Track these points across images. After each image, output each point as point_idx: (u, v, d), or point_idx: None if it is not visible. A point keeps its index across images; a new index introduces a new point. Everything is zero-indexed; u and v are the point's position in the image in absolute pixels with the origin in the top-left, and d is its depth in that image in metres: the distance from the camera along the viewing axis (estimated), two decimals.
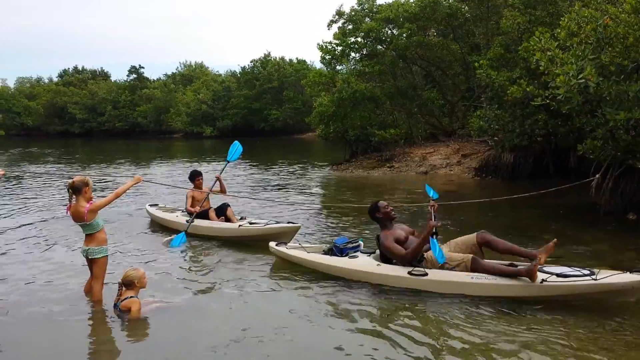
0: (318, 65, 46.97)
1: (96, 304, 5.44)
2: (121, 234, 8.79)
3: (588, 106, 8.71)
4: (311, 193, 13.74)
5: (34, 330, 4.88)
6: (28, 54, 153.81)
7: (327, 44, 20.15)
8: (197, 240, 8.22)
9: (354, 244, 6.37)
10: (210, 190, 8.89)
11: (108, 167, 23.06)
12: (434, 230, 5.51)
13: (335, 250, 6.31)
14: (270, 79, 49.95)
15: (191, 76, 68.00)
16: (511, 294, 5.12)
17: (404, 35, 19.11)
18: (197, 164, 24.24)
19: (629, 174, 8.98)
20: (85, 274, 5.84)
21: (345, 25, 20.75)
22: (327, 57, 20.54)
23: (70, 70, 76.29)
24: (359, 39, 19.83)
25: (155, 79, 70.07)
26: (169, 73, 71.36)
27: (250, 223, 8.11)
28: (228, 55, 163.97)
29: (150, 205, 10.09)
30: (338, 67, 21.80)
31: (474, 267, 5.33)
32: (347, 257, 6.13)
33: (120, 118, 63.62)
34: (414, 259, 5.64)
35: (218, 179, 8.86)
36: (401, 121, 20.12)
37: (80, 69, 76.20)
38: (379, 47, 19.91)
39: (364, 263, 5.97)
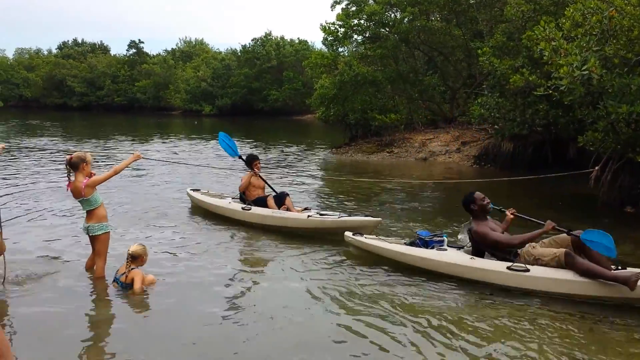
0: (318, 46, 46.96)
1: (99, 280, 5.50)
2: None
3: (590, 98, 8.72)
4: (311, 175, 13.76)
5: (35, 306, 4.92)
6: (28, 24, 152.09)
7: (330, 25, 20.01)
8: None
9: (439, 238, 6.03)
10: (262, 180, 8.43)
11: (107, 142, 22.98)
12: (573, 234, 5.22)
13: (419, 243, 6.01)
14: (269, 58, 49.58)
15: (191, 53, 67.39)
16: (615, 298, 4.88)
17: (407, 19, 18.98)
18: (197, 141, 24.24)
19: (628, 167, 9.03)
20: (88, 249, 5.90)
21: (349, 6, 20.58)
22: (329, 38, 20.39)
23: (70, 42, 75.47)
24: (362, 22, 19.69)
25: (154, 54, 69.54)
26: (169, 49, 70.81)
27: (320, 214, 7.51)
28: (229, 33, 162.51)
29: (193, 190, 9.50)
30: (340, 49, 21.67)
31: (569, 262, 5.00)
32: (435, 250, 5.80)
33: (119, 93, 63.15)
34: (515, 246, 5.34)
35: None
36: (402, 106, 20.07)
37: (80, 42, 75.41)
38: (382, 30, 19.77)
39: (456, 256, 5.61)
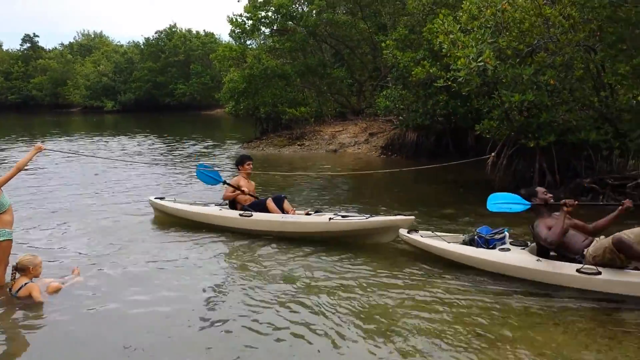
0: (226, 38, 46.20)
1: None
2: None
3: (486, 88, 9.24)
4: (222, 170, 13.51)
5: None
6: None
7: (237, 17, 19.74)
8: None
9: (500, 235, 5.66)
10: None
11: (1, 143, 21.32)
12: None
13: (480, 241, 5.62)
14: (177, 52, 48.15)
15: (90, 46, 64.09)
16: None
17: (314, 12, 19.11)
18: (99, 137, 23.10)
19: (521, 152, 9.64)
20: None
21: None
22: (236, 30, 20.12)
23: None
24: (270, 14, 19.58)
25: (51, 48, 65.45)
26: (66, 43, 66.90)
27: (343, 217, 6.63)
28: (130, 26, 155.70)
29: (157, 198, 8.08)
30: (248, 42, 21.45)
31: (621, 247, 4.60)
32: (497, 250, 5.44)
33: (13, 90, 59.05)
34: (597, 232, 5.05)
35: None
36: (311, 99, 20.21)
37: None
38: (290, 23, 19.78)
39: (521, 257, 5.24)
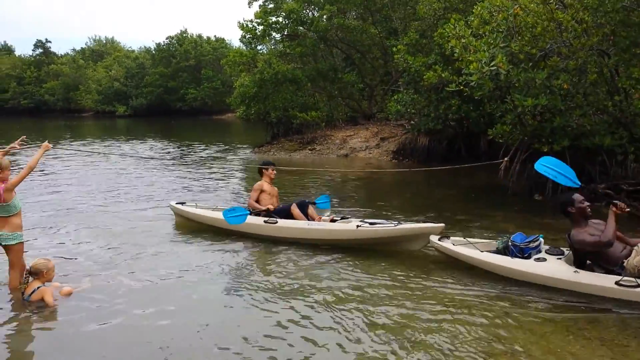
0: (236, 44, 46.48)
1: (12, 291, 5.16)
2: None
3: (498, 92, 9.20)
4: (234, 175, 13.57)
5: None
6: None
7: (248, 23, 19.82)
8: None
9: (535, 242, 5.45)
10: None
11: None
12: None
13: (515, 250, 5.42)
14: (187, 57, 48.49)
15: (102, 52, 64.77)
16: None
17: (325, 17, 19.16)
18: (111, 141, 23.27)
19: (535, 157, 9.53)
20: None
21: (267, 3, 20.49)
22: (247, 36, 20.21)
23: None
24: (280, 19, 19.66)
25: (63, 54, 66.16)
26: (78, 48, 67.60)
27: (370, 223, 6.46)
28: (142, 31, 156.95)
29: (179, 203, 8.03)
30: (259, 47, 21.55)
31: None
32: (532, 260, 5.24)
33: (25, 95, 59.67)
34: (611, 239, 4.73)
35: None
36: (322, 104, 20.25)
37: None
38: (300, 28, 19.84)
39: (558, 269, 5.07)
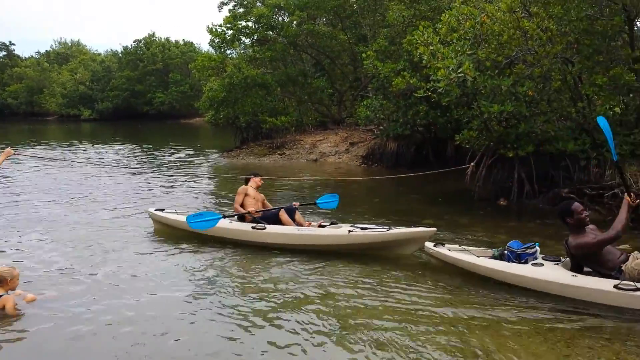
0: (205, 47, 46.04)
1: None
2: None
3: (465, 99, 9.35)
4: (200, 179, 13.41)
5: None
6: None
7: (217, 27, 19.71)
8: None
9: (532, 249, 5.43)
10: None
11: None
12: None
13: (511, 256, 5.41)
14: (155, 60, 47.83)
15: (67, 55, 63.40)
16: None
17: (295, 22, 19.18)
18: (76, 145, 22.76)
19: (500, 162, 9.74)
20: None
21: (236, 8, 20.42)
22: (216, 40, 20.07)
23: None
24: (250, 24, 19.60)
25: (27, 56, 64.60)
26: (43, 51, 66.06)
27: (362, 229, 6.36)
28: (108, 34, 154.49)
29: (158, 210, 7.76)
30: (228, 52, 21.42)
31: None
32: (529, 265, 5.24)
33: None
34: (617, 236, 4.74)
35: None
36: (292, 108, 20.22)
37: None
38: (270, 33, 19.81)
39: (555, 273, 5.04)
